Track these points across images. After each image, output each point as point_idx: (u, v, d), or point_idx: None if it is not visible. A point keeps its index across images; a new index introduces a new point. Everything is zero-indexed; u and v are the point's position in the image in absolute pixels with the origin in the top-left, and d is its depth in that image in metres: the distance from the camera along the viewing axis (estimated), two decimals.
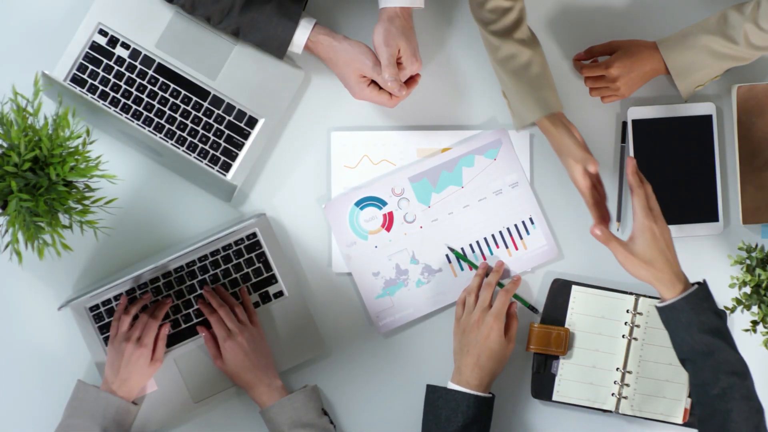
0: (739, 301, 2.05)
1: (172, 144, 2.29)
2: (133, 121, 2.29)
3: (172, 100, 2.29)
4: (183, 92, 2.29)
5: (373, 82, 2.24)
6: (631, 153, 2.32)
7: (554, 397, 2.30)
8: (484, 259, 2.32)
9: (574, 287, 2.31)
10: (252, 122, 2.30)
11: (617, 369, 2.29)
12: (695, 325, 2.08)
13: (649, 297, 2.30)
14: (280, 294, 2.31)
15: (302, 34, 2.24)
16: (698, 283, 2.12)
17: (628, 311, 2.30)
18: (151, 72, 2.29)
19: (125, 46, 2.29)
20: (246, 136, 2.30)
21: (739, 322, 2.32)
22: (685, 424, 2.29)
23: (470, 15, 2.32)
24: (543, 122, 2.21)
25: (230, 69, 2.30)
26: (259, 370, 2.25)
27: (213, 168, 2.30)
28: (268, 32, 2.24)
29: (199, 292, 2.29)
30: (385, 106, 2.26)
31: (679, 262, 2.12)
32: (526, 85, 2.19)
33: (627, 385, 2.29)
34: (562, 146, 2.20)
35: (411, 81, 2.25)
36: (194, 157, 2.30)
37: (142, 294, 2.28)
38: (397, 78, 2.20)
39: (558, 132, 2.20)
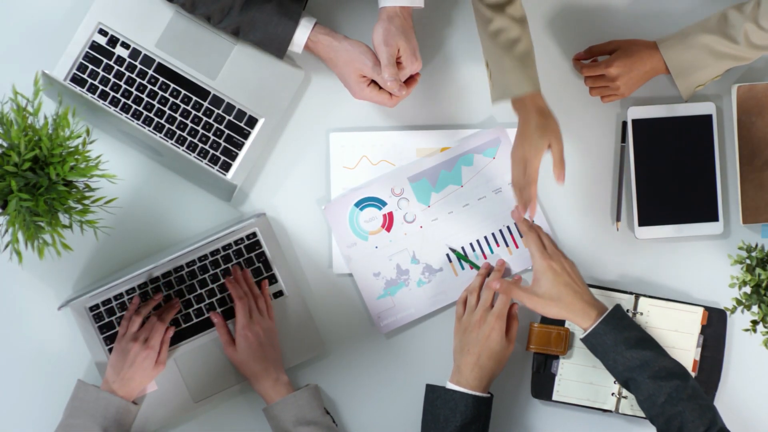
0: (739, 301, 2.05)
1: (172, 143, 2.29)
2: (133, 121, 2.29)
3: (172, 99, 2.29)
4: (183, 92, 2.29)
5: (373, 81, 2.24)
6: (631, 153, 2.32)
7: (554, 397, 2.30)
8: (485, 257, 2.32)
9: None
10: (252, 122, 2.30)
11: None
12: (621, 344, 2.14)
13: (649, 297, 2.30)
14: (279, 294, 2.31)
15: (302, 33, 2.24)
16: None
17: (628, 311, 2.30)
18: (151, 72, 2.29)
19: (125, 45, 2.29)
20: (246, 136, 2.30)
21: (739, 322, 2.32)
22: None
23: (469, 15, 2.32)
24: (524, 99, 2.20)
25: (230, 69, 2.30)
26: (269, 363, 2.25)
27: (213, 167, 2.30)
28: (268, 31, 2.23)
29: (219, 282, 2.29)
30: (385, 106, 2.26)
31: (588, 290, 2.19)
32: (514, 60, 2.19)
33: None
34: (526, 131, 2.19)
35: (411, 80, 2.25)
36: (194, 157, 2.30)
37: (154, 294, 2.28)
38: (397, 77, 2.20)
39: (530, 115, 2.19)
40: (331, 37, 2.24)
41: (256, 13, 2.22)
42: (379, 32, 2.20)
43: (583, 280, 2.20)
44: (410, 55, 2.21)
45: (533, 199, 2.20)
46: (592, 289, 2.30)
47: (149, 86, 2.29)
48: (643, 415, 2.27)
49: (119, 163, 2.31)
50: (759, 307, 2.04)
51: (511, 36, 2.18)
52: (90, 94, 2.28)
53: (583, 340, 2.17)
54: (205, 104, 2.30)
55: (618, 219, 2.34)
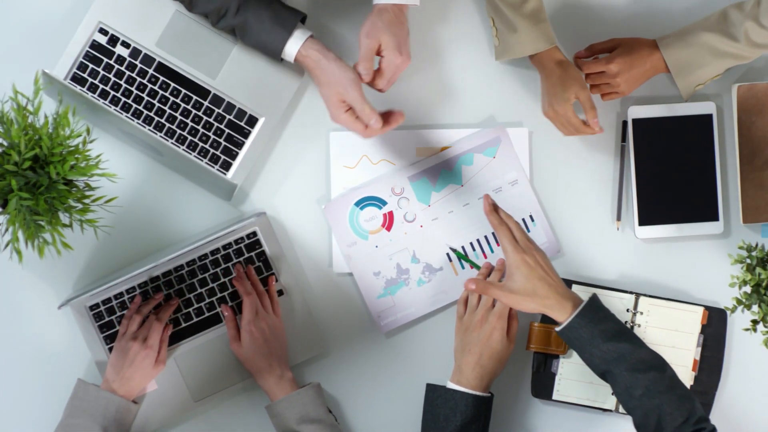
0: (739, 301, 2.05)
1: (172, 143, 2.29)
2: (133, 120, 2.29)
3: (172, 99, 2.29)
4: (183, 91, 2.29)
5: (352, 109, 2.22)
6: (632, 152, 2.32)
7: (554, 397, 2.30)
8: (485, 257, 2.32)
9: (574, 286, 2.31)
10: (252, 121, 2.30)
11: None
12: (598, 336, 2.13)
13: (649, 296, 2.30)
14: (280, 293, 2.31)
15: (294, 45, 2.22)
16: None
17: (628, 310, 2.30)
18: (151, 71, 2.29)
19: (125, 44, 2.29)
20: (246, 135, 2.30)
21: (739, 322, 2.32)
22: None
23: (469, 14, 2.32)
24: (540, 56, 2.23)
25: (230, 68, 2.30)
26: (274, 359, 2.25)
27: (213, 167, 2.30)
28: (261, 38, 2.22)
29: (218, 281, 2.29)
30: (359, 135, 2.23)
31: (562, 282, 2.18)
32: (525, 19, 2.20)
33: None
34: (549, 87, 2.22)
35: (391, 119, 2.21)
36: (194, 156, 2.30)
37: (155, 293, 2.28)
38: (370, 72, 2.20)
39: (550, 71, 2.22)
40: (322, 54, 2.21)
41: (252, 18, 2.21)
42: (365, 26, 2.20)
43: (556, 271, 2.19)
44: (393, 48, 2.20)
45: (593, 128, 2.22)
46: (592, 289, 2.30)
47: (149, 85, 2.29)
48: None
49: (119, 162, 2.31)
50: (759, 306, 2.04)
51: None
52: (90, 94, 2.28)
53: (560, 333, 2.16)
54: (206, 103, 2.30)
55: (618, 219, 2.34)
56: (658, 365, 2.12)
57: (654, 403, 2.09)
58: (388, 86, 2.24)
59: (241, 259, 2.30)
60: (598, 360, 2.13)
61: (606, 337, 2.13)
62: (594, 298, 2.16)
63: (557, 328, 2.16)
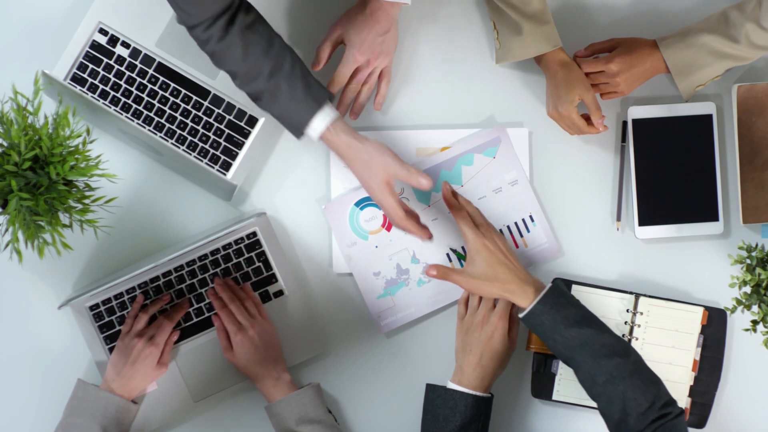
0: (739, 301, 2.05)
1: (172, 143, 2.29)
2: (133, 120, 2.29)
3: (172, 99, 2.29)
4: (183, 91, 2.29)
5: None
6: (632, 153, 2.32)
7: (554, 397, 2.30)
8: None
9: (574, 287, 2.31)
10: (252, 121, 2.30)
11: None
12: (560, 323, 2.12)
13: (649, 297, 2.30)
14: (280, 293, 2.31)
15: (322, 121, 2.14)
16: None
17: (628, 311, 2.30)
18: (151, 71, 2.29)
19: (125, 45, 2.29)
20: (246, 136, 2.30)
21: (739, 322, 2.32)
22: (686, 424, 2.29)
23: (469, 14, 2.32)
24: (545, 57, 2.24)
25: None
26: (269, 363, 2.25)
27: (213, 167, 2.30)
28: (290, 107, 2.14)
29: (211, 285, 2.29)
30: (419, 236, 2.20)
31: (522, 267, 2.18)
32: (528, 21, 2.21)
33: None
34: (553, 88, 2.23)
35: (423, 228, 2.19)
36: (194, 156, 2.30)
37: (161, 293, 2.28)
38: (319, 61, 2.23)
39: (554, 72, 2.24)
40: (352, 136, 2.15)
41: (285, 84, 2.12)
42: (340, 17, 2.22)
43: (516, 256, 2.19)
44: (353, 46, 2.22)
45: (596, 128, 2.22)
46: (593, 289, 2.30)
47: (149, 86, 2.29)
48: None
49: (119, 162, 2.31)
50: (759, 306, 2.04)
51: None
52: (90, 94, 2.28)
53: (523, 320, 2.16)
54: (206, 104, 2.29)
55: (618, 219, 2.34)
56: (621, 351, 2.11)
57: (618, 389, 2.08)
58: (365, 90, 2.26)
59: (240, 259, 2.30)
60: (561, 346, 2.13)
61: (568, 323, 2.12)
62: (556, 285, 2.16)
63: (520, 315, 2.16)
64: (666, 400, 2.09)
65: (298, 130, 2.15)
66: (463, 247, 2.32)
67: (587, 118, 2.25)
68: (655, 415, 2.07)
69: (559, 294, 2.15)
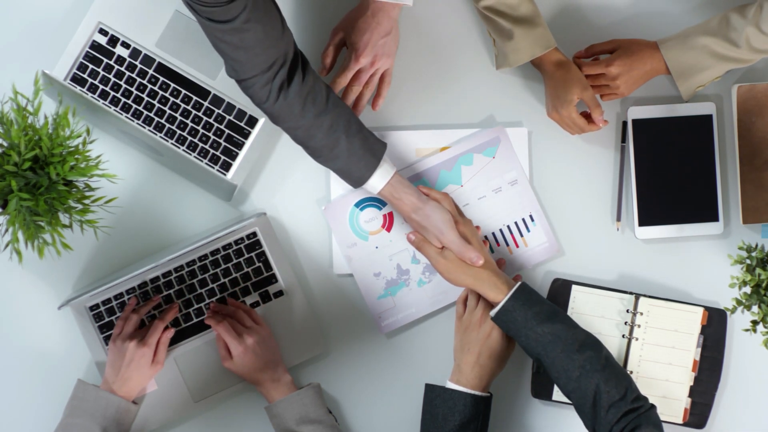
0: (739, 302, 2.05)
1: (172, 143, 2.29)
2: (133, 121, 2.29)
3: (172, 99, 2.29)
4: (183, 91, 2.29)
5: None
6: (632, 153, 2.32)
7: (554, 397, 2.30)
8: None
9: (574, 287, 2.31)
10: (252, 122, 2.30)
11: None
12: (532, 319, 2.15)
13: (649, 297, 2.30)
14: (280, 293, 2.31)
15: (382, 178, 2.17)
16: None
17: (628, 311, 2.30)
18: (151, 71, 2.29)
19: (125, 45, 2.29)
20: (246, 136, 2.30)
21: (739, 322, 2.32)
22: (685, 424, 2.29)
23: (468, 13, 2.32)
24: (540, 59, 2.24)
25: None
26: (269, 368, 2.25)
27: (213, 167, 2.30)
28: (351, 161, 2.15)
29: (201, 300, 2.29)
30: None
31: (493, 261, 2.21)
32: (519, 25, 2.20)
33: None
34: (551, 89, 2.23)
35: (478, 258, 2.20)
36: (194, 157, 2.30)
37: (153, 294, 2.28)
38: (324, 65, 2.23)
39: (551, 73, 2.24)
40: (414, 196, 2.19)
41: (343, 139, 2.13)
42: (341, 19, 2.22)
43: (488, 251, 2.22)
44: (354, 48, 2.22)
45: (597, 124, 2.23)
46: (593, 289, 2.30)
47: (149, 86, 2.29)
48: None
49: (119, 162, 2.31)
50: (759, 307, 2.04)
51: (509, 1, 2.19)
52: (90, 94, 2.28)
53: (494, 318, 2.17)
54: (206, 104, 2.30)
55: (618, 219, 2.34)
56: (592, 344, 2.14)
57: (592, 382, 2.11)
58: (368, 92, 2.26)
59: (240, 259, 2.30)
60: (533, 343, 2.14)
61: (539, 319, 2.14)
62: (525, 284, 2.19)
63: (491, 313, 2.17)
64: (637, 395, 2.12)
65: (357, 184, 2.19)
66: None
67: (587, 116, 2.25)
68: (627, 407, 2.10)
69: (529, 291, 2.18)
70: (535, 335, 2.14)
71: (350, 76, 2.26)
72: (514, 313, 2.15)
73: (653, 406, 2.12)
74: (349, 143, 2.14)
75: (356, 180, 2.18)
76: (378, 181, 2.18)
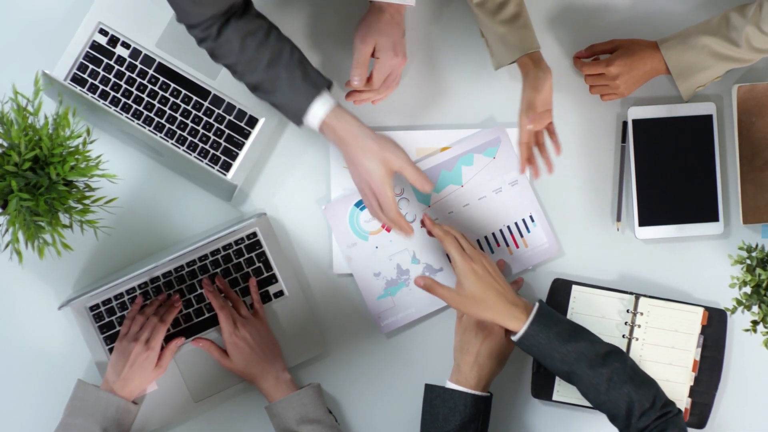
0: (739, 302, 2.05)
1: (172, 143, 2.29)
2: (133, 121, 2.29)
3: (172, 99, 2.29)
4: (183, 92, 2.29)
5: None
6: (632, 153, 2.32)
7: (554, 397, 2.30)
8: None
9: (574, 287, 2.31)
10: (252, 122, 2.30)
11: None
12: (555, 340, 2.14)
13: (649, 297, 2.30)
14: (280, 294, 2.31)
15: (322, 107, 2.16)
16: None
17: (628, 311, 2.30)
18: (151, 71, 2.29)
19: (125, 45, 2.29)
20: (246, 136, 2.30)
21: (739, 322, 2.32)
22: (686, 424, 2.29)
23: (468, 14, 2.32)
24: (522, 59, 2.20)
25: None
26: (267, 363, 2.25)
27: (213, 167, 2.30)
28: (289, 95, 2.15)
29: (200, 288, 2.29)
30: (404, 235, 2.21)
31: (511, 289, 2.19)
32: (504, 26, 2.19)
33: None
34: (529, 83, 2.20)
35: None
36: (194, 157, 2.30)
37: (157, 294, 2.28)
38: (363, 79, 2.20)
39: (531, 76, 2.19)
40: (356, 122, 2.16)
41: (284, 72, 2.14)
42: (360, 29, 2.20)
43: (505, 279, 2.20)
44: (388, 49, 2.20)
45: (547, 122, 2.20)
46: (593, 289, 2.30)
47: (149, 86, 2.29)
48: None
49: (119, 163, 2.31)
50: (759, 307, 2.04)
51: (497, 1, 2.19)
52: (90, 94, 2.28)
53: (518, 343, 2.17)
54: (206, 104, 2.30)
55: (618, 219, 2.34)
56: (618, 356, 2.15)
57: (622, 392, 2.12)
58: (387, 92, 2.25)
59: (241, 259, 2.30)
60: (559, 363, 2.15)
61: (562, 339, 2.14)
62: (543, 304, 2.18)
63: (514, 338, 2.17)
64: (665, 400, 2.13)
65: (297, 117, 2.16)
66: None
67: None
68: (656, 414, 2.11)
69: (548, 312, 2.17)
70: (560, 355, 2.14)
71: (383, 77, 2.24)
72: (537, 337, 2.15)
73: (680, 411, 2.13)
74: (289, 77, 2.14)
75: (296, 112, 2.16)
76: (318, 110, 2.15)
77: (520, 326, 2.16)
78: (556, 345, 2.14)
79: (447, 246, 2.20)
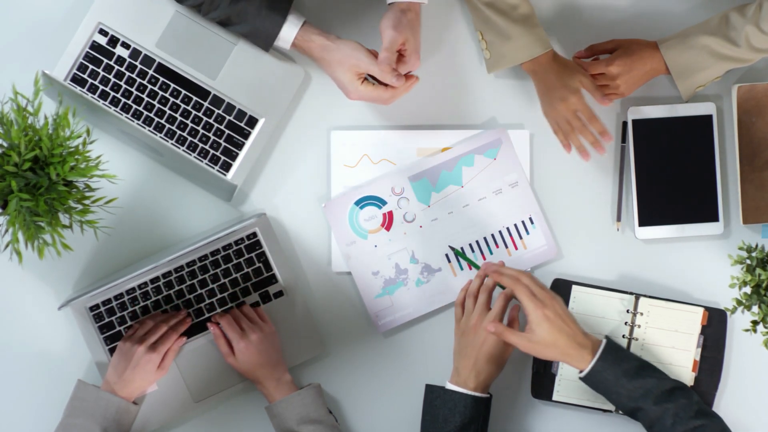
0: (739, 302, 2.05)
1: (172, 144, 2.29)
2: (133, 121, 2.29)
3: (172, 99, 2.29)
4: (183, 92, 2.29)
5: (367, 79, 2.23)
6: (632, 153, 2.32)
7: (554, 397, 2.30)
8: (484, 259, 2.32)
9: (574, 287, 2.31)
10: (252, 122, 2.30)
11: None
12: (622, 377, 2.15)
13: (649, 297, 2.30)
14: (280, 294, 2.31)
15: (290, 30, 2.23)
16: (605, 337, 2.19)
17: (628, 311, 2.30)
18: (151, 72, 2.29)
19: (125, 45, 2.29)
20: (246, 136, 2.30)
21: (739, 322, 2.32)
22: None
23: (469, 15, 2.32)
24: (538, 59, 2.22)
25: (230, 68, 2.30)
26: (270, 366, 2.25)
27: (213, 167, 2.30)
28: (256, 24, 2.23)
29: (201, 300, 2.29)
30: (381, 103, 2.24)
31: (579, 328, 2.17)
32: (518, 26, 2.20)
33: None
34: (550, 85, 2.22)
35: (408, 77, 2.24)
36: (194, 157, 2.30)
37: (179, 312, 2.28)
38: (393, 64, 2.20)
39: (548, 70, 2.22)
40: (324, 36, 2.23)
41: (246, 4, 2.22)
42: (389, 19, 2.20)
43: (574, 318, 2.19)
44: (414, 51, 2.21)
45: (603, 102, 2.22)
46: (593, 290, 2.30)
47: (149, 86, 2.29)
48: None
49: (119, 163, 2.31)
50: (759, 307, 2.04)
51: (509, 1, 2.19)
52: (90, 94, 2.28)
53: (584, 380, 2.16)
54: (206, 104, 2.29)
55: (618, 219, 2.34)
56: (683, 393, 2.16)
57: (690, 427, 2.12)
58: (406, 87, 2.24)
59: (241, 260, 2.30)
60: (626, 399, 2.15)
61: (630, 375, 2.15)
62: (610, 341, 2.18)
63: (580, 375, 2.17)
64: None
65: (266, 44, 2.24)
66: (462, 248, 2.32)
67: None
68: None
69: (616, 349, 2.17)
70: (627, 391, 2.15)
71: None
72: (604, 373, 2.15)
73: None
74: (254, 8, 2.21)
75: (267, 38, 2.23)
76: (287, 33, 2.23)
77: (585, 366, 2.16)
78: (623, 381, 2.15)
79: (519, 294, 2.18)
